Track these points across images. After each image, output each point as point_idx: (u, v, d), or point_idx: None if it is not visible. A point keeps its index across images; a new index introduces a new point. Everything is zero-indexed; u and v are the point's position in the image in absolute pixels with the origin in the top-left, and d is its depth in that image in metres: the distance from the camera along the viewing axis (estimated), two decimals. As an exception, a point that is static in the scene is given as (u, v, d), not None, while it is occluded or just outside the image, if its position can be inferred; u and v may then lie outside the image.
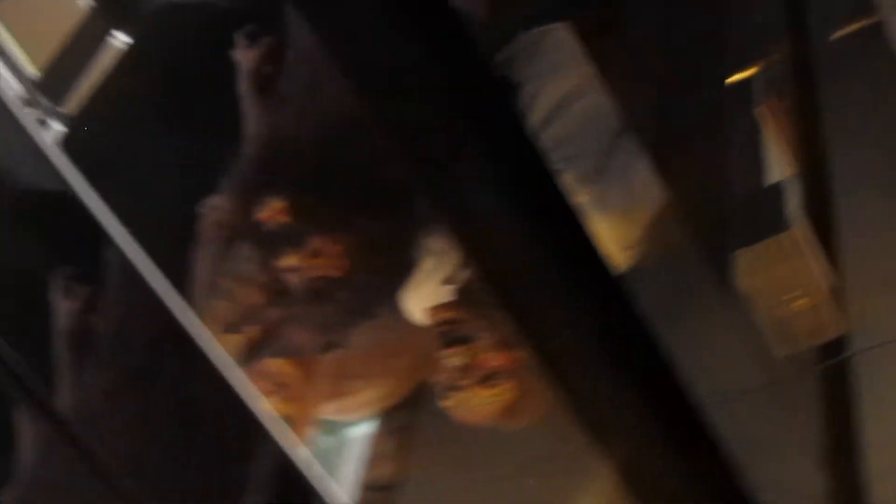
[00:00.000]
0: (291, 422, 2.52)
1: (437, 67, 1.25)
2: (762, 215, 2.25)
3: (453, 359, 2.39)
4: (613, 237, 2.45)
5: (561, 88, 2.56)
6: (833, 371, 2.31)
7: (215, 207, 2.79)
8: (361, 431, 2.93)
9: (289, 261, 2.59)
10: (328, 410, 2.75)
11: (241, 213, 2.63)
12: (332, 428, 2.96)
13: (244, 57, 2.98)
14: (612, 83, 2.09)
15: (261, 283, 2.65)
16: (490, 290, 1.31)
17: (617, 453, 1.47)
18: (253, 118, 2.84)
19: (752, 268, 2.19)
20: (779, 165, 2.42)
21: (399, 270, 2.52)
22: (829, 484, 2.07)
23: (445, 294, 2.44)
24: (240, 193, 2.66)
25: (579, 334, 1.40)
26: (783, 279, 2.21)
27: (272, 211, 2.57)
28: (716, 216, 2.28)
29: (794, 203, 2.31)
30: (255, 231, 2.60)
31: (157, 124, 2.97)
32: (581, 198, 2.46)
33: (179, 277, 2.46)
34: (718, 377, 2.09)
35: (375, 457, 2.80)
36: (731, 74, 2.53)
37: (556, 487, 2.30)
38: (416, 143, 1.29)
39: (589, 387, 1.42)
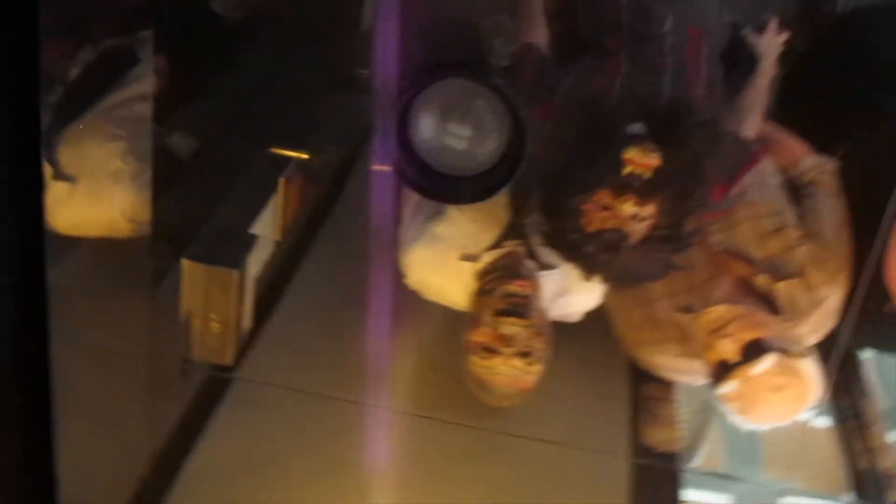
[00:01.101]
0: None
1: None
2: (226, 248, 2.82)
3: None
4: (126, 206, 2.93)
5: None
6: (209, 386, 2.91)
7: None
8: None
9: None
10: None
11: None
12: None
13: None
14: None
15: None
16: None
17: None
18: None
19: (192, 279, 2.75)
20: (269, 226, 3.01)
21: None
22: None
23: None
24: None
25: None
26: (210, 301, 2.78)
27: None
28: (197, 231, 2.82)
29: (255, 256, 2.90)
30: None
31: None
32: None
33: None
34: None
35: None
36: (286, 149, 3.11)
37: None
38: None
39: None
